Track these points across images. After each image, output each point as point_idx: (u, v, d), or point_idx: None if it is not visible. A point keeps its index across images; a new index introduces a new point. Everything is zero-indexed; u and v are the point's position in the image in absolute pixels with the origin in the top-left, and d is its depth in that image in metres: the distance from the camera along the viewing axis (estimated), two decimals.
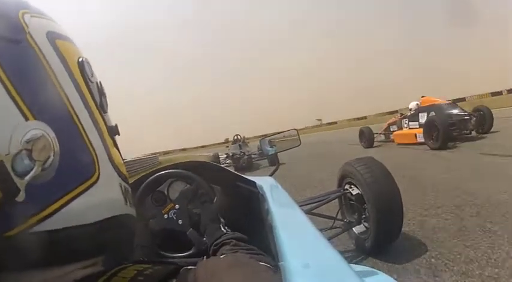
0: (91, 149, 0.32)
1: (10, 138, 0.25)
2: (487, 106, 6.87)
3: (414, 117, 7.47)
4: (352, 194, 2.04)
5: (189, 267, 0.31)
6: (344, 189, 2.14)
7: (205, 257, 0.66)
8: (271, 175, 1.32)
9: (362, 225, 2.05)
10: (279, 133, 1.63)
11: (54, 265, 0.27)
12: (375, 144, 8.76)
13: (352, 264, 0.36)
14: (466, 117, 6.39)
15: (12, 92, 0.26)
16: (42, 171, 0.26)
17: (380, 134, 9.17)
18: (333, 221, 2.12)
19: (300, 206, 1.54)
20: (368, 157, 2.10)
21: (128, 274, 0.28)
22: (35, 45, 0.30)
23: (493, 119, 6.56)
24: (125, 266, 0.30)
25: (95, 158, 0.32)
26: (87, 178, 0.30)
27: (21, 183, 0.24)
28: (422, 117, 7.08)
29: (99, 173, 0.32)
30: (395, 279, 0.49)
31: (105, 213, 0.31)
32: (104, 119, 0.37)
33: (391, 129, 8.75)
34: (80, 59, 0.36)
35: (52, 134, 0.27)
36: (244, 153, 8.38)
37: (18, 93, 0.26)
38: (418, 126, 7.22)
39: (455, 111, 6.54)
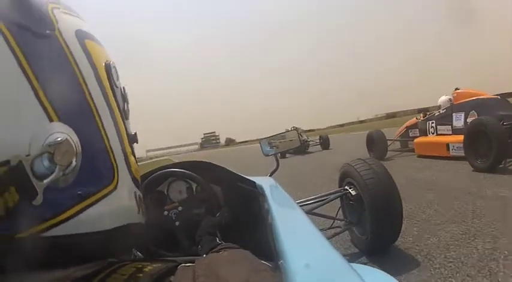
0: (111, 156, 0.31)
1: (32, 139, 0.24)
2: None
3: (445, 118, 5.08)
4: (352, 195, 2.04)
5: (188, 264, 0.30)
6: (344, 190, 2.14)
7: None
8: (270, 175, 1.32)
9: (362, 225, 2.05)
10: (279, 134, 1.63)
11: (58, 268, 0.26)
12: (387, 154, 6.19)
13: (353, 264, 0.36)
14: None
15: (37, 90, 0.24)
16: (63, 175, 0.25)
17: (395, 140, 6.77)
18: (333, 221, 2.12)
19: (300, 205, 1.55)
20: (369, 157, 2.09)
21: (126, 271, 0.28)
22: (63, 42, 0.28)
23: None
24: (124, 263, 0.30)
25: (114, 165, 0.31)
26: (106, 185, 0.29)
27: (40, 186, 0.23)
28: (458, 119, 4.76)
29: (117, 181, 0.31)
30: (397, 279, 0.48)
31: (118, 221, 0.31)
32: (125, 126, 0.36)
33: (410, 135, 6.39)
34: (107, 62, 0.35)
35: (75, 138, 0.26)
36: (304, 139, 10.53)
37: (44, 91, 0.25)
38: (450, 132, 4.92)
39: (507, 112, 4.04)
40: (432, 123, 5.51)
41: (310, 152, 10.51)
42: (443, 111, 5.26)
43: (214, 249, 0.65)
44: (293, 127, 12.05)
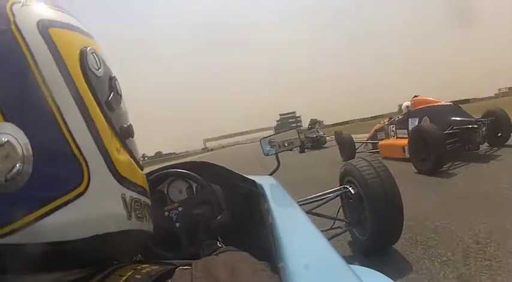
0: (79, 155, 0.28)
1: None
2: (502, 109, 4.63)
3: (403, 123, 5.63)
4: (351, 193, 2.04)
5: (185, 267, 0.30)
6: (344, 188, 2.13)
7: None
8: (271, 174, 1.32)
9: (362, 226, 2.05)
10: (279, 133, 1.63)
11: (36, 274, 0.25)
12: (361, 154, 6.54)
13: (352, 265, 0.36)
14: (472, 126, 4.26)
15: None
16: (6, 182, 0.23)
17: (364, 143, 7.43)
18: (333, 221, 2.12)
19: (300, 205, 1.54)
20: (370, 155, 2.09)
21: (124, 272, 0.27)
22: (19, 35, 0.27)
23: (511, 126, 4.44)
24: (121, 264, 0.29)
25: (83, 166, 0.28)
26: (69, 190, 0.26)
27: None
28: (413, 124, 5.24)
29: (88, 184, 0.28)
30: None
31: (92, 230, 0.27)
32: (108, 119, 0.32)
33: (378, 137, 6.81)
34: (84, 49, 0.31)
35: (23, 140, 0.24)
36: (321, 135, 12.27)
37: None
38: (407, 136, 5.25)
39: (457, 117, 4.55)
40: (393, 127, 6.02)
41: (326, 147, 11.34)
42: (401, 116, 5.79)
43: (214, 252, 0.64)
44: (311, 120, 13.63)
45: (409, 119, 5.39)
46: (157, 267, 0.30)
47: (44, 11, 0.30)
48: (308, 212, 1.92)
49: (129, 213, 0.32)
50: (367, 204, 1.86)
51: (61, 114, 0.27)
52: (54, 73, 0.28)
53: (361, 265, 0.57)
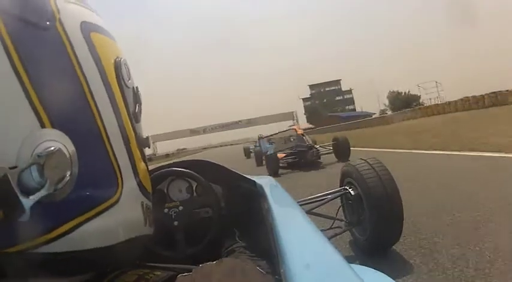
0: (116, 165, 0.28)
1: (20, 148, 0.21)
2: (344, 136, 7.25)
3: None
4: (351, 195, 2.03)
5: (185, 274, 0.29)
6: (344, 189, 2.13)
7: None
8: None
9: (361, 226, 2.04)
10: (278, 133, 1.63)
11: (54, 279, 0.25)
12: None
13: (353, 264, 0.36)
14: (303, 149, 7.10)
15: (29, 91, 0.21)
16: (55, 190, 0.22)
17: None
18: (333, 221, 2.12)
19: (300, 205, 1.55)
20: (370, 157, 2.09)
21: (128, 278, 0.28)
22: (64, 35, 0.25)
23: (348, 148, 6.98)
24: (125, 270, 0.29)
25: (119, 176, 0.28)
26: (106, 199, 0.26)
27: (26, 202, 0.21)
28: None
29: (121, 193, 0.28)
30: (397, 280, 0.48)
31: (119, 237, 0.28)
32: (134, 130, 0.33)
33: None
34: (118, 59, 0.31)
35: (71, 148, 0.23)
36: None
37: (36, 92, 0.22)
38: None
39: (299, 143, 7.31)
40: None
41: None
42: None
43: (233, 245, 0.67)
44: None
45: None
46: (159, 273, 0.30)
47: (87, 12, 0.30)
48: (308, 212, 1.91)
49: (145, 220, 0.33)
50: (366, 206, 1.86)
51: (103, 124, 0.27)
52: (97, 80, 0.27)
53: (362, 264, 0.57)
